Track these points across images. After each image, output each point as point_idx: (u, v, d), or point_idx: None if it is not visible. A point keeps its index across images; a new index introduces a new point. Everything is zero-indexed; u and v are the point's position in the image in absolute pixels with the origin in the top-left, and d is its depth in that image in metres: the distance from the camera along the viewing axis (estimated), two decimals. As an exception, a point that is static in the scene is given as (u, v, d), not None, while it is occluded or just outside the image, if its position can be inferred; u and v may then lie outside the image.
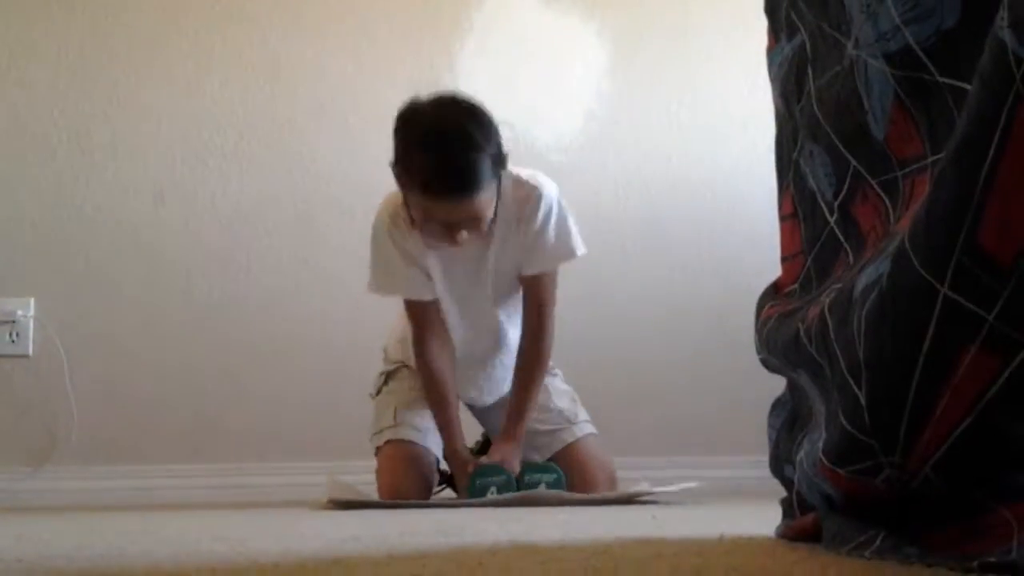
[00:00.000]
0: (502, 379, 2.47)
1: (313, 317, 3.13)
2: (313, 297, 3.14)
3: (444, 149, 2.07)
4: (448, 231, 2.14)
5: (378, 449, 2.39)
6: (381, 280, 2.32)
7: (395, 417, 2.40)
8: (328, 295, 3.13)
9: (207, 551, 1.17)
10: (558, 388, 2.50)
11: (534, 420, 2.41)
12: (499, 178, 2.16)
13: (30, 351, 3.09)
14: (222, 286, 3.14)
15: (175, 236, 3.15)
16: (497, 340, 2.43)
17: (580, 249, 2.35)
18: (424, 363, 2.34)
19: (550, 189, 2.31)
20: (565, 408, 2.47)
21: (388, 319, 2.55)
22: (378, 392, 2.52)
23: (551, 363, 2.46)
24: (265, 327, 3.13)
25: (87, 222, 3.14)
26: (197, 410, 3.08)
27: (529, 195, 2.28)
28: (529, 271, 2.33)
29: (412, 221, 2.20)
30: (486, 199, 2.12)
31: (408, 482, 2.28)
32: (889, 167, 1.01)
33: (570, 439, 2.42)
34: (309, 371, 3.10)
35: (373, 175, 3.11)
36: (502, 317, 2.41)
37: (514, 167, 2.26)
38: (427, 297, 2.32)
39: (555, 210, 2.31)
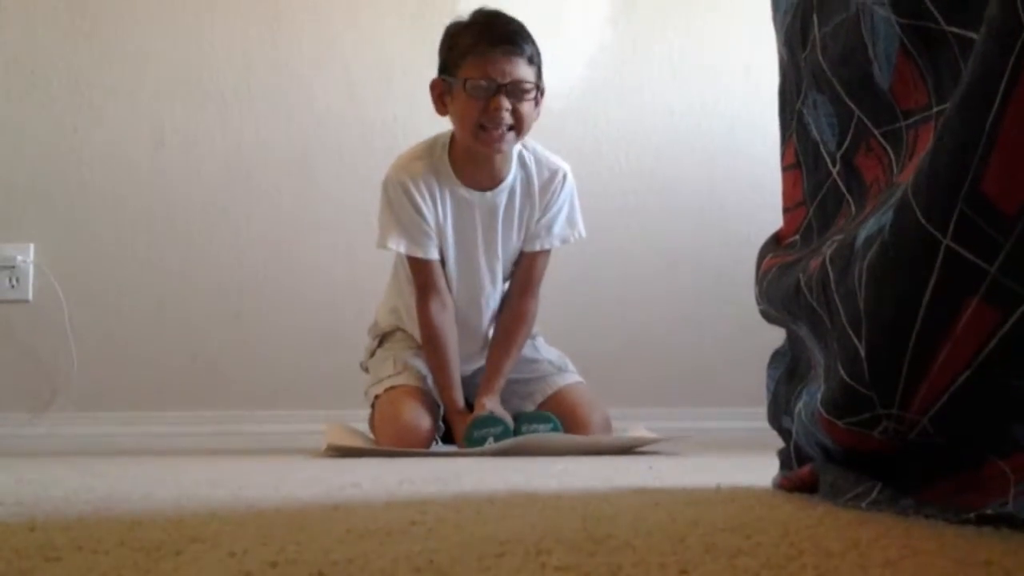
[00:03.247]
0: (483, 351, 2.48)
1: (312, 263, 3.13)
2: (312, 242, 3.13)
3: (493, 18, 2.28)
4: (495, 104, 2.19)
5: (376, 399, 2.40)
6: (394, 237, 2.32)
7: (395, 366, 2.41)
8: (327, 240, 3.12)
9: (207, 496, 1.18)
10: (544, 345, 2.54)
11: (523, 370, 2.44)
12: (540, 78, 2.28)
13: (30, 296, 3.10)
14: (222, 231, 3.14)
15: (175, 181, 3.14)
16: (482, 314, 2.45)
17: (583, 232, 2.46)
18: (427, 320, 2.34)
19: (570, 172, 2.42)
20: (553, 358, 2.50)
21: (386, 266, 2.55)
22: (371, 356, 2.52)
23: (535, 329, 2.50)
24: (265, 272, 3.12)
25: (86, 167, 3.13)
26: (197, 357, 3.09)
27: (555, 174, 2.40)
28: (533, 247, 2.39)
29: (454, 154, 2.30)
30: (530, 74, 2.24)
31: (416, 418, 2.27)
32: (893, 117, 1.00)
33: (561, 383, 2.44)
34: (309, 317, 3.10)
35: (374, 120, 3.12)
36: (493, 289, 2.43)
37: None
38: (435, 256, 2.34)
39: (574, 193, 2.44)
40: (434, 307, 2.35)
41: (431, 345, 2.35)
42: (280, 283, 3.12)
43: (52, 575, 0.57)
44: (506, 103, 2.20)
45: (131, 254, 3.12)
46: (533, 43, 2.26)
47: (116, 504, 1.08)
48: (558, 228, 2.41)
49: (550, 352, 2.52)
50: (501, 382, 2.37)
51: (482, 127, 2.22)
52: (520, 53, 2.22)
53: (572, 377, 2.47)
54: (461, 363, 2.43)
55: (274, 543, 0.72)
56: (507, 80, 2.20)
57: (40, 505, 1.08)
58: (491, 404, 2.30)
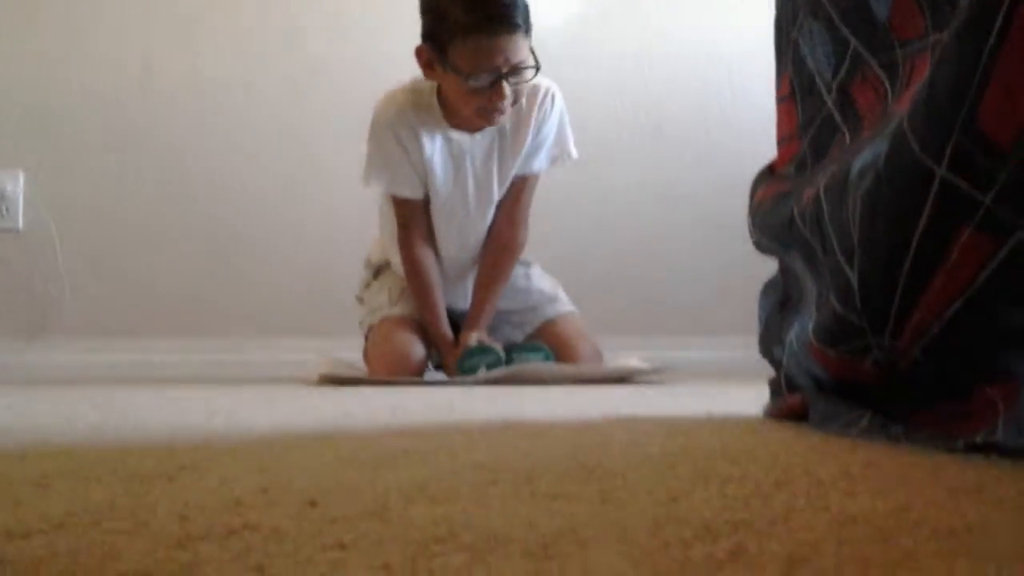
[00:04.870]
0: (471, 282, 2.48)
1: (303, 194, 3.11)
2: (302, 174, 3.12)
3: None
4: (494, 90, 2.12)
5: (370, 329, 2.40)
6: (377, 174, 2.30)
7: (390, 298, 2.41)
8: (318, 173, 3.11)
9: (199, 425, 1.19)
10: (537, 273, 2.53)
11: (515, 300, 2.44)
12: (530, 42, 2.16)
13: (20, 225, 3.08)
14: (210, 162, 3.11)
15: (163, 110, 3.12)
16: (472, 249, 2.42)
17: (573, 152, 2.41)
18: (409, 255, 2.34)
19: (558, 90, 2.35)
20: (546, 288, 2.50)
21: (375, 200, 2.54)
22: (366, 287, 2.52)
23: (529, 258, 2.49)
24: (255, 202, 3.11)
25: (74, 96, 3.10)
26: (188, 285, 3.09)
27: (543, 93, 2.32)
28: (525, 170, 2.35)
29: (447, 107, 2.21)
30: (526, 48, 2.13)
31: (408, 347, 2.29)
32: (890, 47, 0.99)
33: (552, 314, 2.44)
34: (301, 246, 3.10)
35: (365, 54, 3.09)
36: (484, 225, 2.41)
37: None
38: (419, 196, 2.31)
39: (564, 112, 2.38)
40: (416, 243, 2.34)
41: (415, 281, 2.35)
42: (271, 212, 3.11)
43: (42, 503, 0.57)
44: (508, 90, 2.13)
45: (121, 183, 3.10)
46: (525, 5, 2.13)
47: (108, 432, 1.09)
48: (547, 150, 2.37)
49: (543, 281, 2.52)
50: (489, 313, 2.37)
51: (483, 107, 2.17)
52: (518, 28, 2.09)
53: (564, 307, 2.48)
54: (455, 298, 2.43)
55: (265, 471, 0.72)
56: (508, 67, 2.11)
57: (31, 433, 1.09)
58: (479, 335, 2.30)
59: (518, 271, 2.46)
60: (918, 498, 0.57)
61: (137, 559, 0.42)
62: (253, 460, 0.79)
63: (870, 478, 0.66)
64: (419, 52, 2.18)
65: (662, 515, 0.52)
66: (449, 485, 0.63)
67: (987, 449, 0.79)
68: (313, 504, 0.56)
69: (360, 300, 2.54)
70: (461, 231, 2.40)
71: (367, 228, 2.64)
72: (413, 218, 2.34)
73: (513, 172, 2.36)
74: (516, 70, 2.12)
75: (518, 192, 2.39)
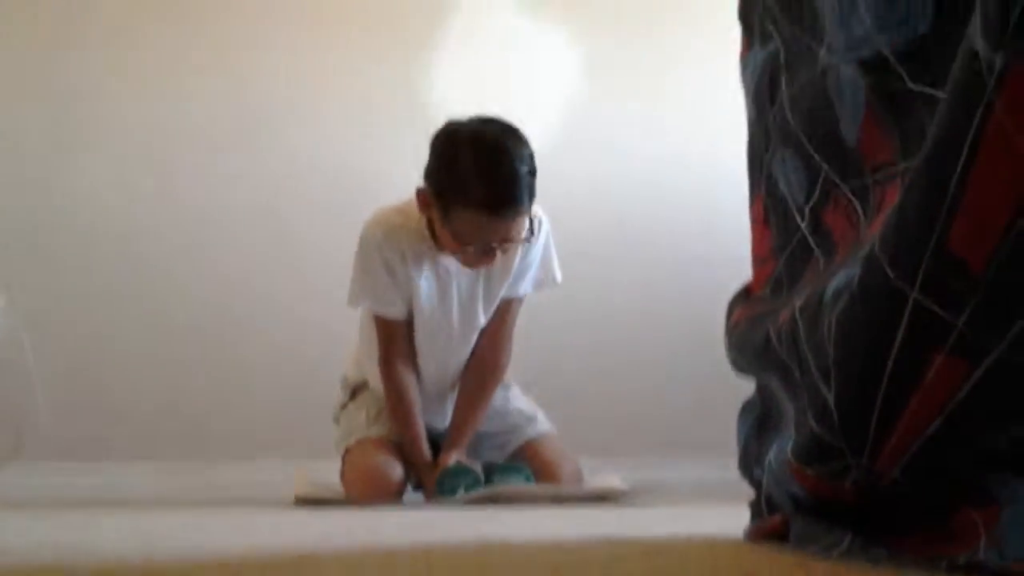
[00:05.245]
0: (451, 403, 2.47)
1: (285, 315, 3.12)
2: (285, 294, 3.13)
3: (497, 160, 2.06)
4: (485, 253, 2.13)
5: (347, 451, 2.38)
6: (362, 294, 2.30)
7: (367, 419, 2.39)
8: (300, 291, 3.12)
9: (175, 548, 1.17)
10: (516, 394, 2.51)
11: (493, 423, 2.42)
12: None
13: (-4, 347, 3.07)
14: (194, 280, 3.12)
15: (147, 233, 3.13)
16: (453, 372, 2.42)
17: (558, 277, 2.39)
18: (390, 376, 2.31)
19: (545, 216, 2.34)
20: (524, 409, 2.48)
21: (355, 317, 2.54)
22: (342, 408, 2.50)
23: (508, 378, 2.49)
24: (235, 324, 3.11)
25: (57, 216, 3.12)
26: (166, 407, 3.06)
27: (531, 220, 2.28)
28: (511, 294, 2.36)
29: (437, 240, 2.20)
30: (526, 221, 2.12)
31: (386, 468, 2.25)
32: (861, 173, 1.02)
33: (532, 435, 2.42)
34: (280, 367, 3.09)
35: (346, 172, 3.13)
36: (466, 349, 2.41)
37: None
38: (402, 317, 2.32)
39: (550, 237, 2.36)
40: (397, 363, 2.32)
41: (395, 402, 2.32)
42: (251, 334, 3.10)
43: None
44: (498, 254, 2.14)
45: (98, 304, 3.10)
46: (533, 172, 2.10)
47: (82, 556, 1.07)
48: (533, 273, 2.35)
49: (520, 402, 2.50)
50: (470, 434, 2.35)
51: (468, 262, 2.17)
52: (522, 211, 2.09)
53: (543, 427, 2.46)
54: (435, 418, 2.42)
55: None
56: (507, 237, 2.11)
57: (3, 557, 1.07)
58: (459, 456, 2.28)
59: (497, 393, 2.45)
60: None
61: None
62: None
63: (853, 601, 0.66)
64: (419, 193, 2.16)
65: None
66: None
67: (969, 570, 0.79)
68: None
69: (336, 421, 2.52)
70: (444, 353, 2.39)
71: (346, 347, 2.64)
72: (395, 338, 2.33)
73: (499, 297, 2.36)
74: (511, 240, 2.14)
75: (503, 315, 2.39)
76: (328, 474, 2.48)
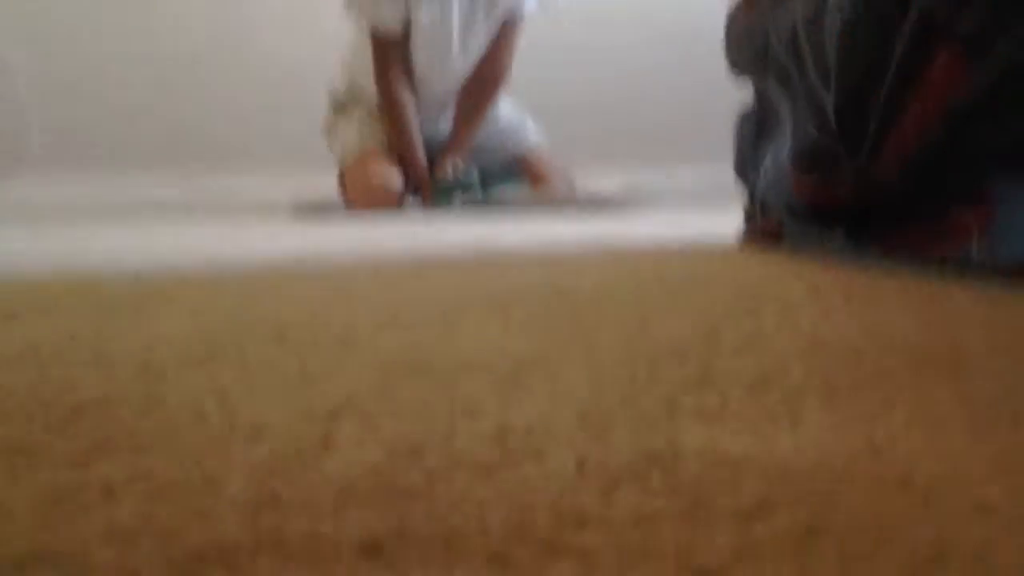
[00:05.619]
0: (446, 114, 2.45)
1: (277, 22, 3.03)
2: (276, 6, 3.03)
3: None
4: None
5: (346, 169, 2.37)
6: (366, 5, 2.24)
7: (360, 132, 2.38)
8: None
9: (170, 256, 1.17)
10: (508, 107, 2.50)
11: (484, 135, 2.42)
12: None
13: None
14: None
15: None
16: (452, 83, 2.39)
17: None
18: (387, 92, 2.29)
19: None
20: (513, 120, 2.48)
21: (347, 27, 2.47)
22: (332, 125, 2.47)
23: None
24: (229, 30, 3.03)
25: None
26: (160, 118, 3.03)
27: None
28: (513, 9, 2.35)
29: None
30: None
31: (386, 177, 2.27)
32: None
33: (523, 148, 2.43)
34: (276, 76, 3.03)
35: None
36: (465, 64, 2.37)
37: None
38: (399, 31, 2.26)
39: None
40: (394, 80, 2.29)
41: (394, 116, 2.31)
42: (245, 41, 3.03)
43: (5, 336, 0.56)
44: None
45: (86, 14, 3.01)
46: None
47: (77, 266, 1.07)
48: None
49: (512, 114, 2.49)
50: (469, 140, 2.35)
51: None
52: None
53: (533, 139, 2.46)
54: (433, 129, 2.41)
55: (236, 302, 0.71)
56: None
57: (6, 270, 1.07)
58: (457, 160, 2.29)
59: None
60: (889, 319, 0.57)
61: (97, 389, 0.42)
62: (223, 291, 0.78)
63: (841, 300, 0.66)
64: None
65: (631, 341, 0.52)
66: (420, 313, 0.62)
67: (959, 265, 0.79)
68: (281, 334, 0.55)
69: (326, 135, 2.50)
70: (442, 67, 2.35)
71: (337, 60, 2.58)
72: (390, 54, 2.29)
73: (501, 8, 2.31)
74: None
75: (505, 35, 2.36)
76: (329, 183, 2.48)
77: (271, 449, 0.33)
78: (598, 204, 2.26)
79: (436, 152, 2.38)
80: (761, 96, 1.19)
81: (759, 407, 0.37)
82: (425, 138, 2.38)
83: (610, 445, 0.33)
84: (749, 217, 1.22)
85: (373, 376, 0.44)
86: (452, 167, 2.28)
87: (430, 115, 2.41)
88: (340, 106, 2.47)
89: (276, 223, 1.94)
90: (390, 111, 2.32)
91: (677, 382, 0.42)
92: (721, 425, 0.35)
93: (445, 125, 2.43)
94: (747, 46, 1.13)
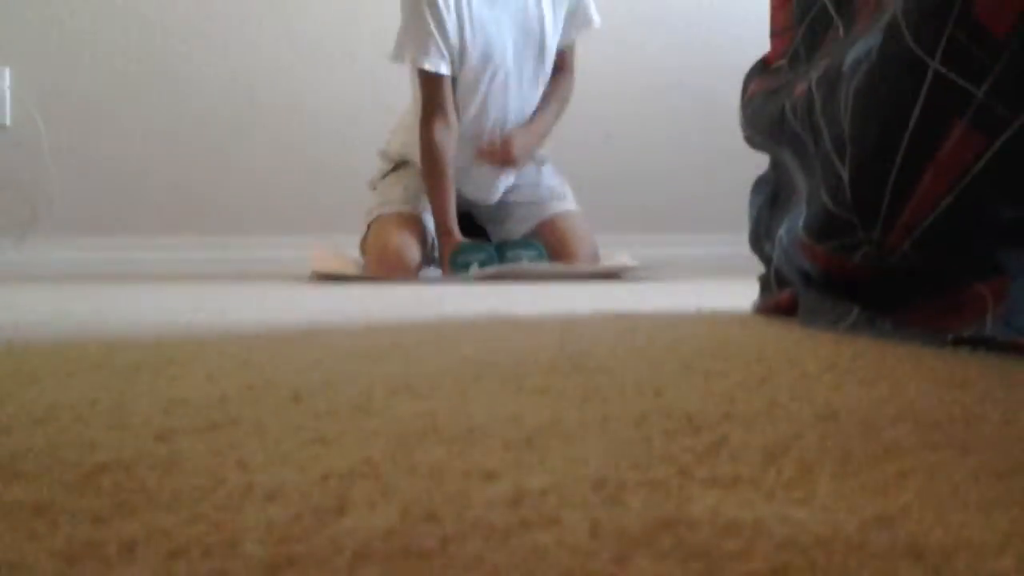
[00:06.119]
0: (502, 180, 2.48)
1: (297, 88, 3.07)
2: (296, 67, 3.07)
3: None
4: None
5: (375, 220, 2.39)
6: (413, 46, 2.28)
7: (404, 193, 2.41)
8: (312, 64, 3.06)
9: (188, 320, 1.18)
10: (549, 171, 2.54)
11: (524, 194, 2.46)
12: None
13: (7, 121, 3.04)
14: (204, 54, 3.07)
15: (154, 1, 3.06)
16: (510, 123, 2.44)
17: (596, 19, 2.53)
18: (428, 137, 2.31)
19: None
20: (555, 185, 2.51)
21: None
22: (382, 177, 2.50)
23: (544, 154, 2.54)
24: (248, 97, 3.07)
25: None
26: (181, 182, 3.06)
27: None
28: (567, 38, 2.48)
29: None
30: None
31: (405, 247, 2.28)
32: (887, -65, 0.97)
33: (557, 210, 2.45)
34: (294, 144, 3.07)
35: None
36: (529, 96, 2.45)
37: None
38: (447, 69, 2.30)
39: None
40: (438, 125, 2.32)
41: (430, 164, 2.32)
42: (265, 108, 3.07)
43: (27, 398, 0.57)
44: None
45: (110, 77, 3.06)
46: None
47: (96, 328, 1.08)
48: (584, 14, 2.51)
49: (553, 179, 2.53)
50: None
51: None
52: None
53: (568, 205, 2.49)
54: (477, 189, 2.45)
55: (251, 366, 0.72)
56: None
57: (19, 329, 1.08)
58: (516, 136, 2.41)
59: (530, 168, 2.48)
60: (903, 391, 0.57)
61: (116, 451, 0.42)
62: (240, 355, 0.79)
63: (855, 371, 0.66)
64: None
65: (646, 408, 0.52)
66: (435, 380, 0.63)
67: (975, 343, 0.79)
68: (297, 399, 0.56)
69: (373, 188, 2.53)
70: (499, 99, 2.40)
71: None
72: (441, 95, 2.32)
73: (548, 28, 2.42)
74: None
75: (561, 65, 2.52)
76: (346, 248, 2.50)
77: (287, 511, 0.33)
78: (615, 274, 2.27)
79: (482, 214, 2.43)
80: (776, 166, 1.20)
81: (772, 476, 0.37)
82: (472, 199, 2.43)
83: (624, 511, 0.33)
84: (764, 288, 1.22)
85: (388, 441, 0.44)
86: (520, 146, 2.36)
87: (479, 173, 2.44)
88: (394, 165, 2.50)
89: (292, 287, 1.95)
90: (428, 160, 2.34)
91: (691, 450, 0.42)
92: (735, 493, 0.35)
93: (493, 188, 2.45)
94: (762, 116, 1.15)
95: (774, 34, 1.22)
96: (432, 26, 2.26)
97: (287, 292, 1.81)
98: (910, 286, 0.92)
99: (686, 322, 1.11)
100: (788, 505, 0.33)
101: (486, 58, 2.34)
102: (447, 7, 2.28)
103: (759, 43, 1.31)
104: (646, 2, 3.15)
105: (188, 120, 3.07)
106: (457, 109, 2.35)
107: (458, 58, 2.32)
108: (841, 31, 1.04)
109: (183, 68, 3.07)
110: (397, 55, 2.32)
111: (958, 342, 0.80)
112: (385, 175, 2.50)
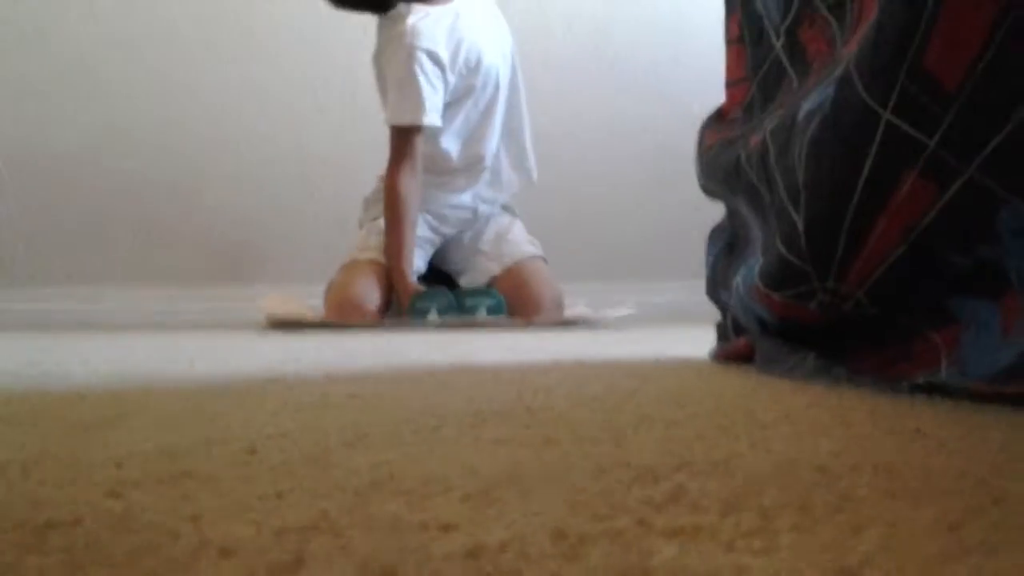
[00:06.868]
0: (478, 208, 2.51)
1: (258, 137, 3.07)
2: (259, 116, 3.07)
3: None
4: None
5: (342, 267, 2.39)
6: (412, 108, 2.29)
7: (380, 239, 2.42)
8: (273, 114, 3.06)
9: (145, 371, 1.17)
10: (520, 227, 2.57)
11: (490, 243, 2.47)
12: None
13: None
14: (164, 103, 3.06)
15: (113, 50, 3.05)
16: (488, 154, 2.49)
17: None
18: (395, 185, 2.33)
19: None
20: (521, 239, 2.52)
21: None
22: (373, 219, 2.50)
23: (517, 211, 2.62)
24: (210, 146, 3.06)
25: (21, 38, 3.02)
26: (143, 231, 3.04)
27: None
28: None
29: None
30: None
31: (364, 294, 2.29)
32: (839, -12, 0.98)
33: (522, 255, 2.46)
34: (256, 193, 3.06)
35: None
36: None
37: None
38: (438, 121, 2.33)
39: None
40: (404, 175, 2.33)
41: (394, 212, 2.33)
42: (226, 158, 3.06)
43: (-22, 450, 0.56)
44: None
45: (70, 127, 3.04)
46: None
47: (53, 380, 1.07)
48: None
49: (521, 233, 2.55)
50: None
51: None
52: None
53: (534, 251, 2.50)
54: (451, 256, 2.47)
55: (207, 417, 0.71)
56: None
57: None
58: None
59: (503, 219, 2.51)
60: (859, 439, 0.57)
61: (67, 507, 0.41)
62: (195, 407, 0.78)
63: (812, 420, 0.66)
64: None
65: (605, 458, 0.52)
66: (391, 431, 0.62)
67: (929, 390, 0.79)
68: (252, 451, 0.55)
69: (361, 226, 2.53)
70: (480, 140, 2.46)
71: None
72: (410, 147, 2.34)
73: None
74: None
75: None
76: (303, 297, 2.49)
77: (242, 567, 0.33)
78: (578, 325, 2.28)
79: (444, 257, 2.44)
80: (732, 215, 1.21)
81: (732, 526, 0.37)
82: (441, 263, 2.44)
83: (584, 564, 0.33)
84: (721, 335, 1.23)
85: (344, 494, 0.44)
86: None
87: (457, 183, 2.44)
88: (368, 212, 2.52)
89: (249, 336, 1.94)
90: (393, 209, 2.34)
91: (650, 500, 0.42)
92: (694, 544, 0.35)
93: (458, 254, 2.47)
94: (718, 166, 1.16)
95: (730, 84, 1.23)
96: (424, 84, 2.29)
97: (244, 341, 1.80)
98: (865, 334, 0.93)
99: (645, 371, 1.11)
100: (748, 556, 0.33)
101: (486, 79, 2.41)
102: (446, 48, 2.32)
103: (714, 93, 1.32)
104: (599, 49, 3.18)
105: (147, 170, 3.05)
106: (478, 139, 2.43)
107: (465, 94, 2.39)
108: (795, 83, 1.06)
109: (142, 118, 3.06)
110: (396, 118, 2.33)
111: (914, 389, 0.81)
112: (376, 218, 2.51)
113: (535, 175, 2.57)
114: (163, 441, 0.59)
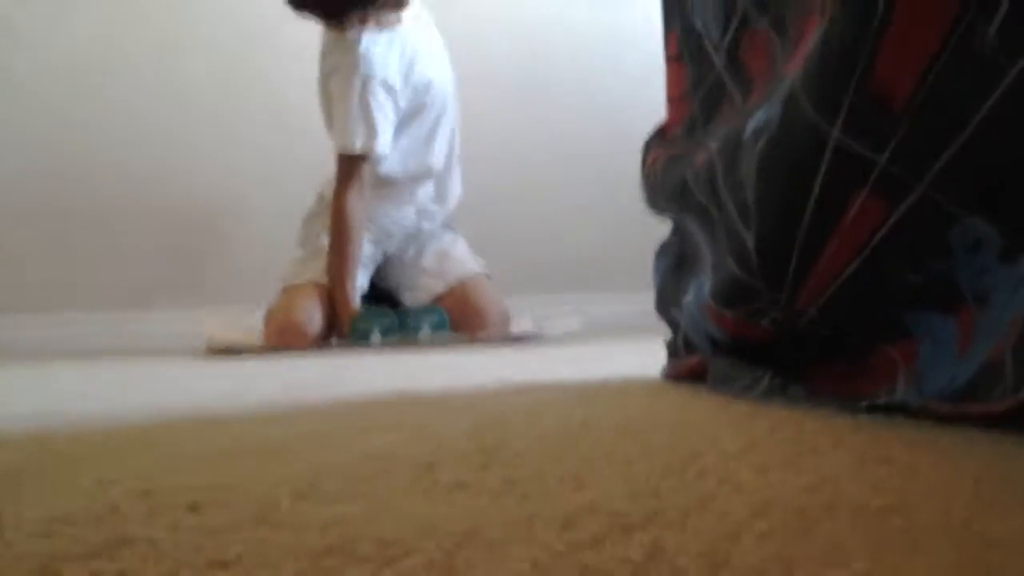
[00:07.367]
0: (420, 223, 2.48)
1: (184, 161, 3.01)
2: (184, 140, 3.02)
3: None
4: None
5: (280, 292, 2.36)
6: (364, 134, 2.27)
7: (304, 259, 2.39)
8: (200, 137, 3.01)
9: (75, 409, 1.12)
10: (463, 245, 2.56)
11: (433, 261, 2.46)
12: None
13: None
14: (89, 128, 2.99)
15: (38, 76, 2.98)
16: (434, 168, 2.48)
17: None
18: (342, 207, 2.32)
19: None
20: (464, 257, 2.51)
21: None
22: (318, 237, 2.47)
23: (460, 231, 2.61)
24: (135, 171, 3.00)
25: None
26: (67, 257, 2.97)
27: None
28: None
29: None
30: None
31: (305, 319, 2.25)
32: (779, 4, 0.97)
33: (466, 273, 2.46)
34: (183, 217, 3.00)
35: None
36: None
37: None
38: (387, 150, 2.33)
39: None
40: (354, 197, 2.31)
41: (339, 233, 2.31)
42: (153, 182, 3.00)
43: None
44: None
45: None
46: None
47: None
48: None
49: (464, 251, 2.54)
50: None
51: None
52: None
53: (477, 268, 2.49)
54: (397, 275, 2.44)
55: (145, 467, 0.67)
56: None
57: None
58: None
59: (446, 236, 2.51)
60: (829, 472, 0.55)
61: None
62: (131, 454, 0.74)
63: (778, 449, 0.64)
64: None
65: (570, 506, 0.49)
66: (342, 478, 0.59)
67: (888, 410, 0.78)
68: (194, 508, 0.52)
69: (301, 244, 2.49)
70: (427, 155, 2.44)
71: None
72: (359, 169, 2.32)
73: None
74: None
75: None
76: (242, 319, 2.44)
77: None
78: (524, 341, 2.27)
79: (387, 276, 2.43)
80: (679, 231, 1.19)
81: (715, 591, 0.35)
82: (388, 285, 2.42)
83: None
84: (672, 353, 1.21)
85: (297, 560, 0.41)
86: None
87: (402, 196, 2.44)
88: (311, 229, 2.49)
89: (186, 364, 1.89)
90: (340, 229, 2.33)
91: (627, 560, 0.39)
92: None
93: (416, 278, 2.44)
94: (664, 184, 1.14)
95: (671, 100, 1.22)
96: (377, 114, 2.26)
97: (181, 370, 1.75)
98: (819, 351, 0.92)
99: (596, 393, 1.09)
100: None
101: (435, 97, 2.41)
102: (399, 73, 2.31)
103: (657, 107, 1.31)
104: (541, 65, 3.17)
105: (74, 195, 2.98)
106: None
107: (416, 112, 2.39)
108: (737, 100, 1.05)
109: (68, 145, 2.99)
110: (347, 146, 2.29)
111: (872, 409, 0.80)
112: (306, 230, 2.48)
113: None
114: (97, 498, 0.55)
